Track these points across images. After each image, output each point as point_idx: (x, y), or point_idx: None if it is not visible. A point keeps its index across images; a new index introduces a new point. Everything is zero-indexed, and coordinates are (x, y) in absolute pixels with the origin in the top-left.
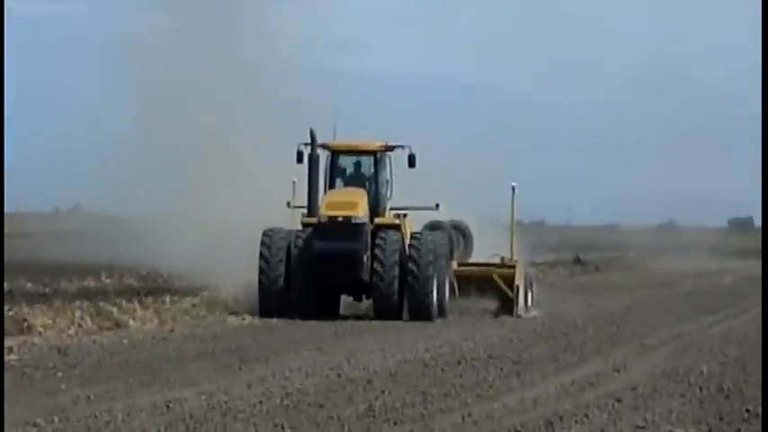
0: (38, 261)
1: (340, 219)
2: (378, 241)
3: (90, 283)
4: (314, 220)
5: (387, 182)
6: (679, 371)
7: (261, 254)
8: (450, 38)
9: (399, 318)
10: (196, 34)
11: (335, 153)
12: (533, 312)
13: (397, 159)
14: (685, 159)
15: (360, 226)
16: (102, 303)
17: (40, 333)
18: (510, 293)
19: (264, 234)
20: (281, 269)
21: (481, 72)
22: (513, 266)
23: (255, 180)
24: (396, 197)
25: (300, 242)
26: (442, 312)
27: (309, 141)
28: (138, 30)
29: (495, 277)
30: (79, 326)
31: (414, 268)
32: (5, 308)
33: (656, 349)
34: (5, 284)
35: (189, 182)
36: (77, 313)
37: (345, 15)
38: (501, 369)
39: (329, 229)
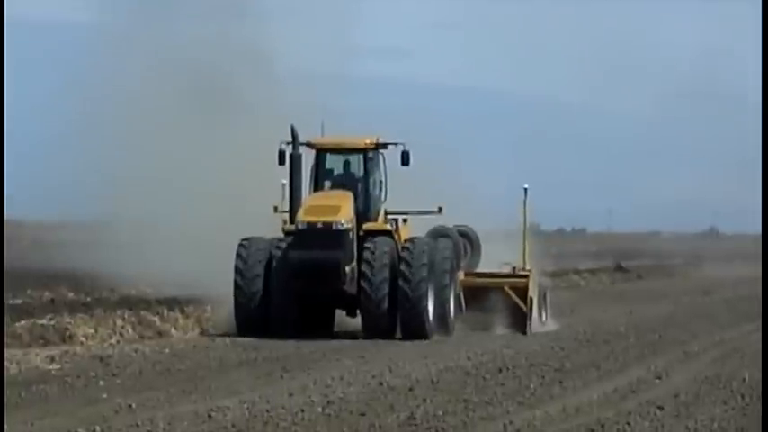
0: (79, 270)
1: (319, 225)
2: (365, 250)
3: (131, 291)
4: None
5: (380, 183)
6: (721, 378)
7: (236, 267)
8: (493, 45)
9: (392, 335)
10: (219, 45)
11: (321, 152)
12: (549, 326)
13: (428, 162)
14: (728, 166)
15: (341, 233)
16: (143, 312)
17: (82, 342)
18: (523, 306)
19: (240, 245)
20: (259, 284)
21: (524, 79)
22: (526, 276)
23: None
24: (413, 202)
25: (279, 252)
26: (445, 328)
27: (291, 139)
28: (156, 37)
29: (507, 288)
30: (121, 335)
31: (405, 278)
32: (47, 317)
33: (698, 356)
34: (47, 293)
35: (210, 191)
36: (119, 322)
37: (385, 23)
38: (543, 377)
39: (308, 237)
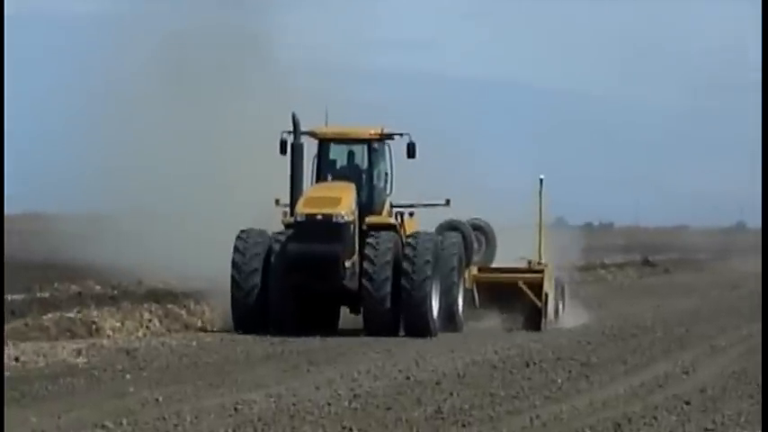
0: (102, 263)
1: (319, 217)
2: (368, 246)
3: (158, 285)
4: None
5: (385, 175)
6: (748, 372)
7: (233, 261)
8: (517, 37)
9: (395, 333)
10: (226, 35)
11: (323, 142)
12: (566, 323)
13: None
14: (756, 160)
15: (341, 226)
16: (170, 305)
17: (109, 335)
18: (538, 303)
19: (238, 237)
20: (257, 279)
21: (551, 73)
22: (542, 271)
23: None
24: (431, 195)
25: (278, 245)
26: (453, 326)
27: (292, 129)
28: (157, 26)
29: (521, 284)
30: (147, 328)
31: (408, 278)
32: (74, 310)
33: (726, 350)
34: (74, 287)
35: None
36: (146, 315)
37: (406, 15)
38: (569, 371)
39: (307, 230)
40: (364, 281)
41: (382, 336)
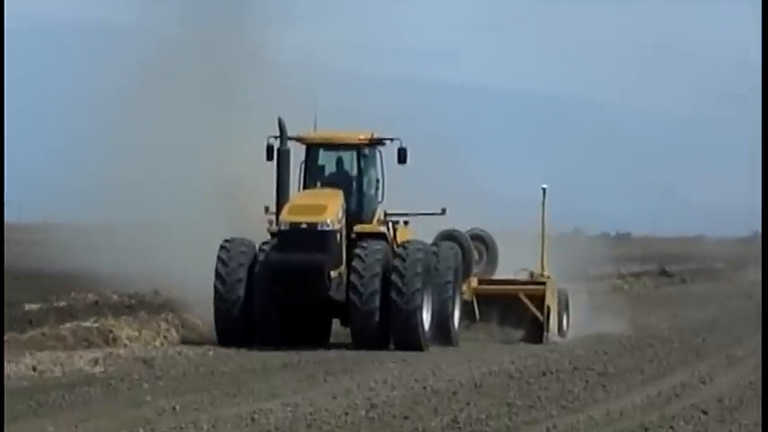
0: (120, 273)
1: (303, 225)
2: (355, 256)
3: (174, 294)
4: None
5: (376, 182)
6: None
7: (216, 272)
8: (530, 47)
9: (384, 345)
10: (230, 46)
11: (311, 147)
12: (569, 338)
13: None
14: None
15: (327, 234)
16: (186, 315)
17: (126, 345)
18: (539, 316)
19: (222, 247)
20: (241, 290)
21: (567, 82)
22: (544, 284)
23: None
24: (436, 205)
25: (263, 255)
26: (447, 340)
27: (278, 134)
28: (172, 30)
29: (522, 297)
30: (164, 337)
31: (398, 290)
32: (91, 320)
33: (743, 360)
34: (91, 295)
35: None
36: (163, 325)
37: (419, 25)
38: (586, 381)
39: (291, 239)
40: (351, 294)
41: (371, 349)
